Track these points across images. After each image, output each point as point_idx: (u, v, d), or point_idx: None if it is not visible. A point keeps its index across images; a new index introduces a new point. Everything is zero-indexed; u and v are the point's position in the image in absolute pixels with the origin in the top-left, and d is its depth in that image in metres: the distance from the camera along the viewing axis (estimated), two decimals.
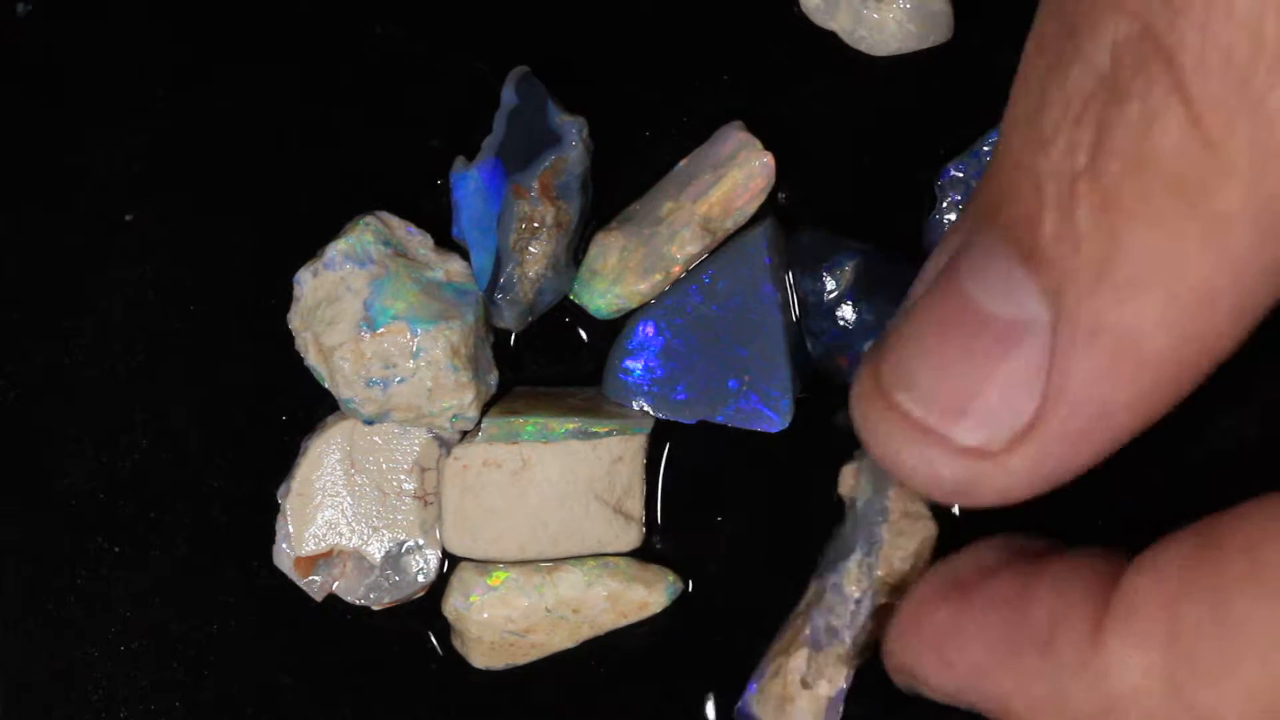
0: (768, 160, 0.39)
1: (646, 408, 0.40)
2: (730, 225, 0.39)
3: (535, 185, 0.38)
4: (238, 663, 0.41)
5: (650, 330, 0.39)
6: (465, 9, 0.40)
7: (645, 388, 0.39)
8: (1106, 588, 0.31)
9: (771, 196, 0.39)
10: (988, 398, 0.30)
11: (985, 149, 0.40)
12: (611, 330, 0.40)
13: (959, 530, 0.38)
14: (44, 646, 0.41)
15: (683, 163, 0.40)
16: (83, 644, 0.41)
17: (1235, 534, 0.30)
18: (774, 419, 0.39)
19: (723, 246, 0.39)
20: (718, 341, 0.39)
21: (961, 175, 0.40)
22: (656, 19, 0.40)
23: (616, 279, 0.39)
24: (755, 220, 0.39)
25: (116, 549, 0.41)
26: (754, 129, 0.39)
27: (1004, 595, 0.33)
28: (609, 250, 0.39)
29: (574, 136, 0.38)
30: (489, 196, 0.38)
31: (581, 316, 0.40)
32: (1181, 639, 0.30)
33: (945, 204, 0.40)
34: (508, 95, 0.39)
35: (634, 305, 0.39)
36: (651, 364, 0.39)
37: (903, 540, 0.37)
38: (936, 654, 0.33)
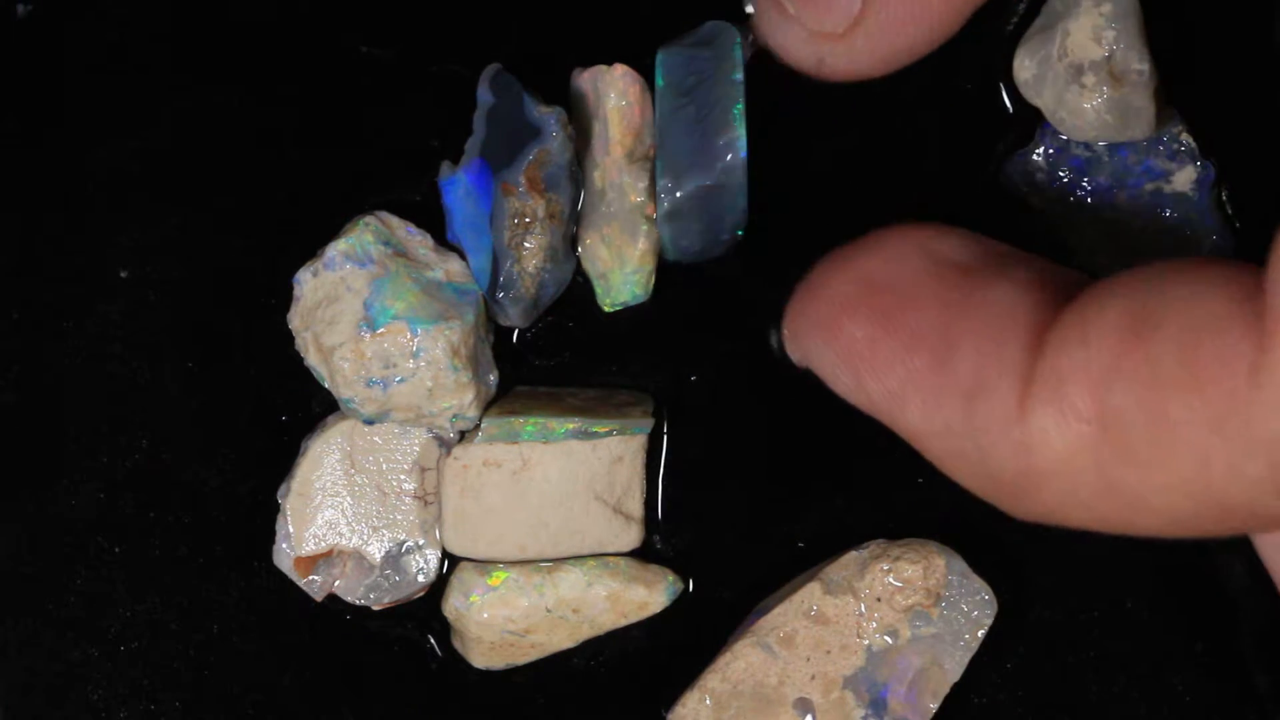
0: (620, 71, 0.38)
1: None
2: (650, 139, 0.38)
3: (522, 180, 0.38)
4: (238, 663, 0.41)
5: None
6: (460, 7, 0.40)
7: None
8: (1036, 345, 0.31)
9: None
10: None
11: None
12: (611, 327, 0.40)
13: None
14: (44, 646, 0.41)
15: (569, 133, 0.39)
16: (83, 644, 0.41)
17: (1170, 322, 0.29)
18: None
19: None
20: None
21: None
22: (653, 14, 0.40)
23: (622, 261, 0.39)
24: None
25: (116, 549, 0.41)
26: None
27: (929, 331, 0.32)
28: (595, 250, 0.39)
29: (554, 127, 0.38)
30: (478, 197, 0.38)
31: (582, 314, 0.40)
32: (1111, 423, 0.30)
33: None
34: (483, 94, 0.38)
35: (653, 266, 0.39)
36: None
37: None
38: (852, 373, 0.33)
